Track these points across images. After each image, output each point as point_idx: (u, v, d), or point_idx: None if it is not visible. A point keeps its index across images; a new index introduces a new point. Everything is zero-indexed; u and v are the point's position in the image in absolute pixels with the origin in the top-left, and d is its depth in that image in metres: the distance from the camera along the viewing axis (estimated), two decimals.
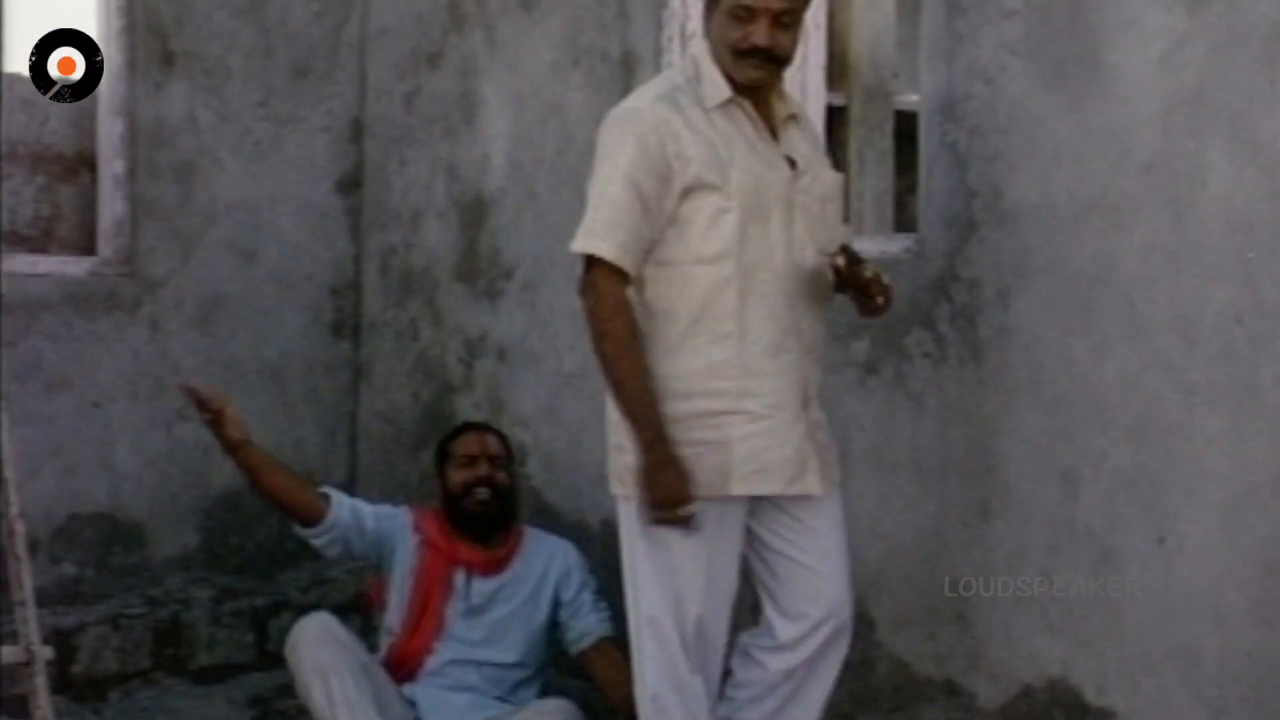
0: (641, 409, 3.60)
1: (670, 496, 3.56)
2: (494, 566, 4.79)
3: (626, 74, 5.02)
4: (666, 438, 3.58)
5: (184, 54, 5.59)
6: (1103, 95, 3.85)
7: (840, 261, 3.64)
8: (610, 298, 3.61)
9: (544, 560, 4.84)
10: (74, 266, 5.48)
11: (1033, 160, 3.98)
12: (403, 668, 4.73)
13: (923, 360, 4.22)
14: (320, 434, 5.98)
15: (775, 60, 3.66)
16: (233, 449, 4.62)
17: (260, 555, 5.81)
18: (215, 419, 4.57)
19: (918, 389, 4.22)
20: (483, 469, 4.80)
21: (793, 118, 3.79)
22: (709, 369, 3.64)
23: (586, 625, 4.78)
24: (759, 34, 3.61)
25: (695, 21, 4.95)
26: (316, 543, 4.77)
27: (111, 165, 5.54)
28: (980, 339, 4.08)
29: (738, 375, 3.64)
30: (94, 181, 5.65)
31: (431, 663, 4.73)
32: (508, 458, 4.92)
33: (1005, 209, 4.05)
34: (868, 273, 3.64)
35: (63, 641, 5.05)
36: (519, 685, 4.77)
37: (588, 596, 4.82)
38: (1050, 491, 3.98)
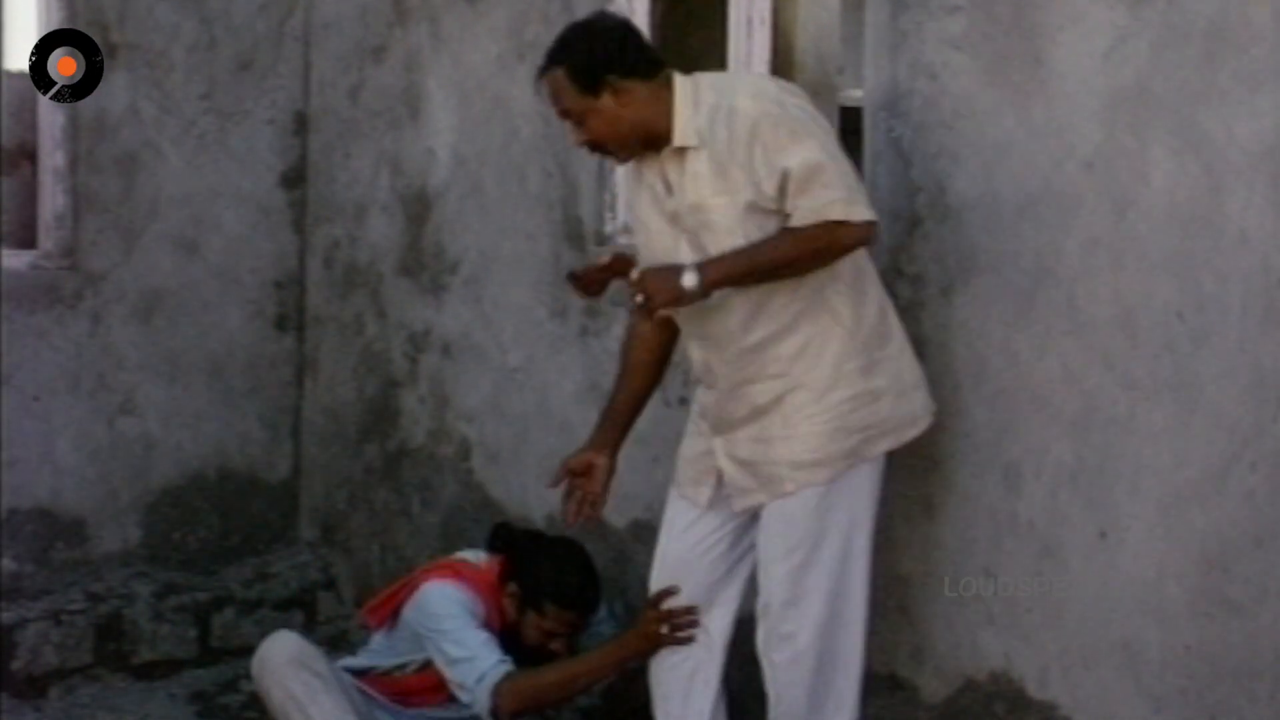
0: None
1: None
2: None
3: None
4: None
5: (126, 46, 5.54)
6: (1046, 91, 3.87)
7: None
8: None
9: None
10: (14, 260, 5.43)
11: (976, 156, 3.99)
12: (393, 691, 4.61)
13: None
14: (264, 429, 5.95)
15: (597, 148, 3.86)
16: None
17: (203, 550, 5.78)
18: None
19: None
20: (559, 644, 4.58)
21: (680, 151, 3.79)
22: None
23: None
24: (569, 137, 3.89)
25: (640, 16, 4.95)
26: None
27: (52, 158, 5.49)
28: (924, 333, 4.09)
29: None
30: (35, 174, 5.60)
31: (435, 712, 4.62)
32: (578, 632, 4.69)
33: (949, 204, 4.06)
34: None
35: (3, 638, 5.04)
36: None
37: None
38: (993, 486, 4.00)
